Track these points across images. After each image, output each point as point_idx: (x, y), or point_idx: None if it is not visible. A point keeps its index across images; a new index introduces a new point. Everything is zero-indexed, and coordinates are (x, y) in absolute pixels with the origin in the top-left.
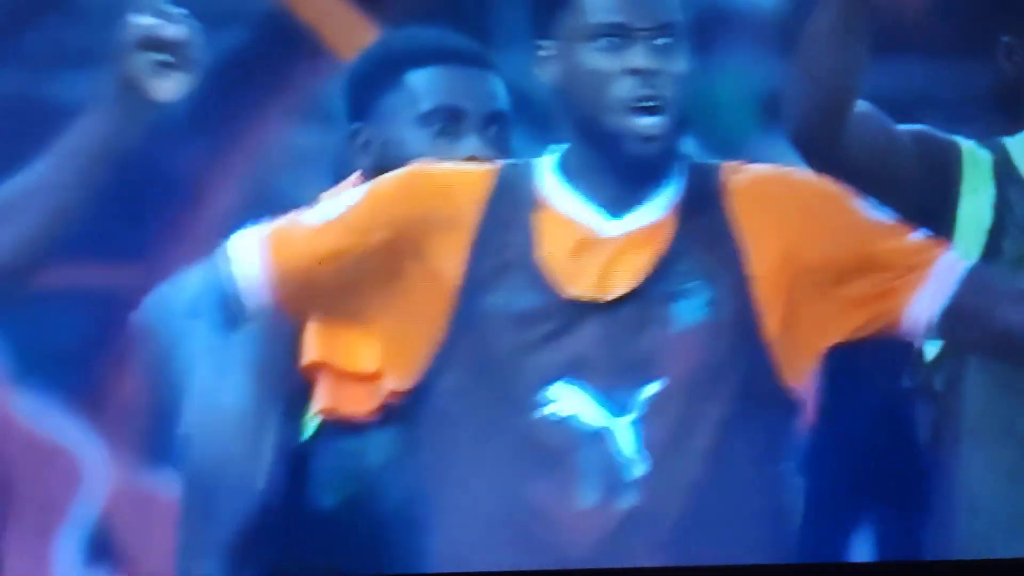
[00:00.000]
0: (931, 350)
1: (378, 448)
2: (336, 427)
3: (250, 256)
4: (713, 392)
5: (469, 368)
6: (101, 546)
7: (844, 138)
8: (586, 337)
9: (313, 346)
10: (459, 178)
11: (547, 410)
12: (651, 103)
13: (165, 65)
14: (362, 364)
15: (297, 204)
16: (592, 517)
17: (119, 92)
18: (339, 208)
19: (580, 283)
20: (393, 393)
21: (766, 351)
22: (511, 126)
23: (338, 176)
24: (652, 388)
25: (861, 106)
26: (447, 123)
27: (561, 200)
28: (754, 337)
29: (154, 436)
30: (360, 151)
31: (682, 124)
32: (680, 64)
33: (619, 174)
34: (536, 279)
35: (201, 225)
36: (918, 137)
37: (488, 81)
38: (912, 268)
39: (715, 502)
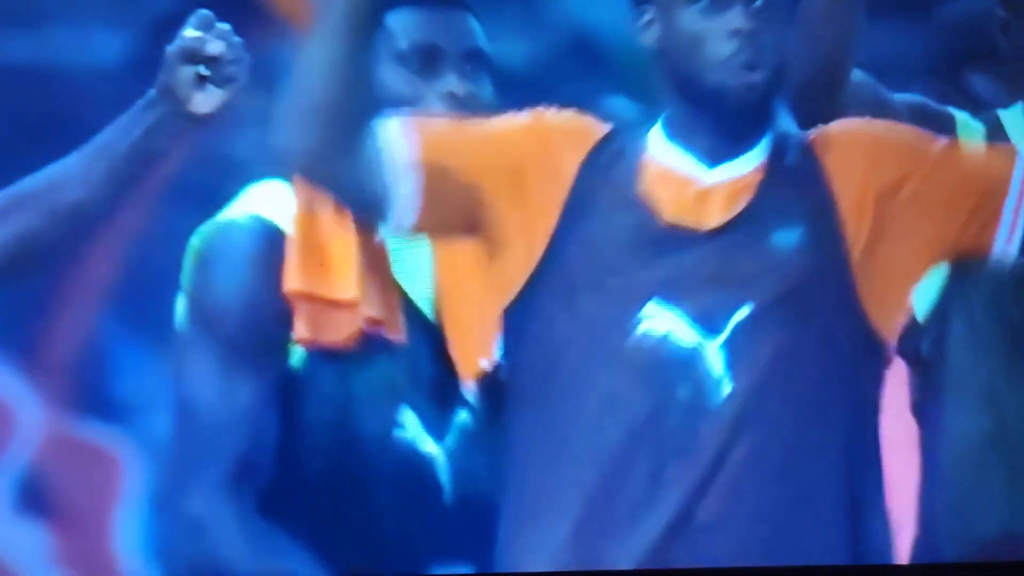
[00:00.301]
0: (921, 312)
1: (362, 376)
2: (320, 355)
3: (400, 140)
4: (800, 322)
5: (566, 286)
6: (32, 495)
7: (840, 107)
8: (681, 260)
9: (293, 275)
10: (575, 123)
11: (642, 328)
12: (752, 63)
13: (204, 79)
14: (341, 292)
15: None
16: (682, 433)
17: (158, 99)
18: (485, 125)
19: (677, 212)
20: (371, 320)
21: (855, 291)
22: (488, 64)
23: None
24: (742, 312)
25: (857, 75)
26: (424, 61)
27: (663, 153)
28: (844, 275)
29: (87, 388)
30: None
31: (779, 83)
32: (778, 24)
33: (718, 128)
34: (635, 206)
35: None
36: (912, 107)
37: (464, 19)
38: (992, 187)
39: (788, 435)
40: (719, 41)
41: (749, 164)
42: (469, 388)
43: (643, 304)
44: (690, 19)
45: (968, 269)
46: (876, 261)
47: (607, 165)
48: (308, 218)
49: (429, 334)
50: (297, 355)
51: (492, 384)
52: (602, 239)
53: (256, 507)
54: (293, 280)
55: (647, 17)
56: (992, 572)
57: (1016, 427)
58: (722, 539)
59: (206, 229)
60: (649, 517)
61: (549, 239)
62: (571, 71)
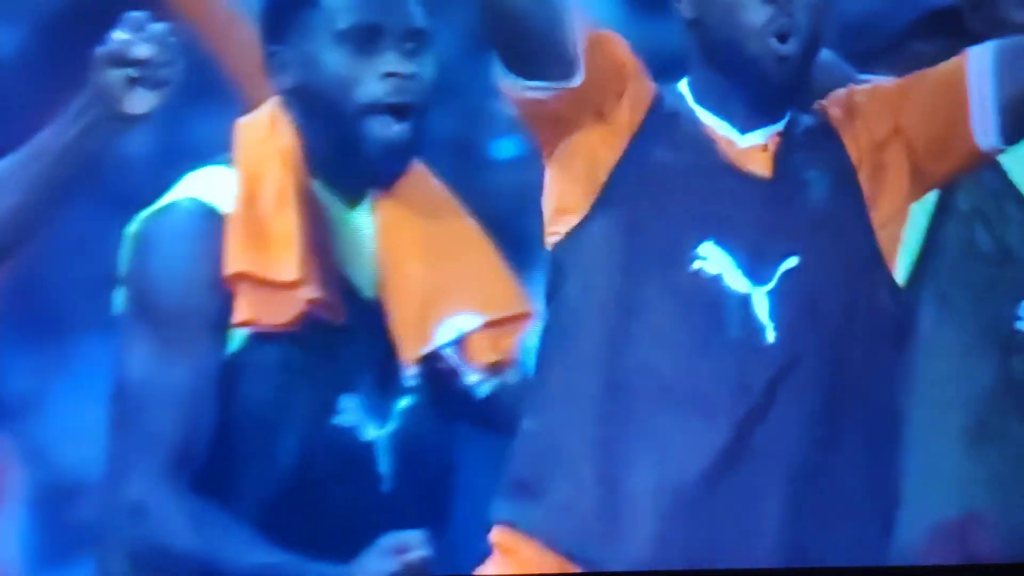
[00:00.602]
0: (902, 276)
1: (303, 360)
2: (261, 338)
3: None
4: (843, 277)
5: (626, 214)
6: None
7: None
8: (738, 203)
9: (234, 257)
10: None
11: (696, 265)
12: (785, 31)
13: (135, 80)
14: (282, 273)
15: None
16: (732, 369)
17: (90, 101)
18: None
19: (730, 154)
20: (312, 302)
21: (877, 246)
22: (430, 43)
23: None
24: (790, 263)
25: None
26: (364, 40)
27: (700, 116)
28: (869, 231)
29: None
30: (278, 73)
31: (813, 53)
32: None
33: (750, 98)
34: (698, 144)
35: None
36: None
37: None
38: (954, 90)
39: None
40: (754, 9)
41: (775, 129)
42: (410, 372)
43: (700, 242)
44: None
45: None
46: (879, 214)
47: (670, 109)
48: (249, 200)
49: (372, 316)
50: (238, 338)
51: (434, 369)
52: (665, 172)
53: (195, 491)
54: (234, 262)
55: None
56: (993, 572)
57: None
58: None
59: (144, 214)
60: (699, 445)
61: (614, 166)
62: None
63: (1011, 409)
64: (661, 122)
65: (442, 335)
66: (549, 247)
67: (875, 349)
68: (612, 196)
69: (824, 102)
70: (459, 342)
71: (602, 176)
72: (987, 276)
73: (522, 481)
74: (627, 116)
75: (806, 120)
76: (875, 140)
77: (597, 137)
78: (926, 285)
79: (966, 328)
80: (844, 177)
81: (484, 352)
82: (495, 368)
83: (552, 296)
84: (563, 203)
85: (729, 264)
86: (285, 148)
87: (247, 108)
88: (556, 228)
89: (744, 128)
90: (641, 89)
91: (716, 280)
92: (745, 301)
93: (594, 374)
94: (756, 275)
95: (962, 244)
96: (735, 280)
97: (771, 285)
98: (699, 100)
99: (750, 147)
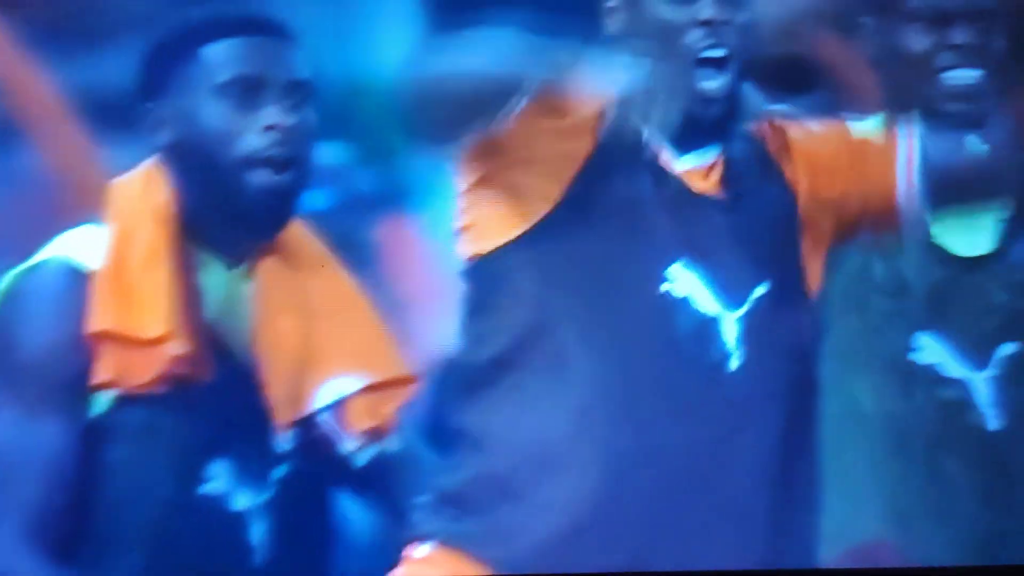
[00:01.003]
0: None
1: (169, 423)
2: (127, 401)
3: None
4: (794, 303)
5: (591, 234)
6: None
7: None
8: (705, 225)
9: (98, 315)
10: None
11: (664, 287)
12: (718, 53)
13: None
14: (148, 329)
15: None
16: (689, 395)
17: None
18: None
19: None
20: (177, 358)
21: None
22: (312, 95)
23: None
24: (761, 289)
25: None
26: (245, 93)
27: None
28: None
29: None
30: (155, 129)
31: (743, 76)
32: (745, 14)
33: (684, 118)
34: (654, 166)
35: None
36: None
37: (286, 50)
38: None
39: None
40: (686, 31)
41: (714, 152)
42: (285, 438)
43: (670, 263)
44: (657, 8)
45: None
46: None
47: (618, 126)
48: (119, 258)
49: (246, 378)
50: (103, 400)
51: (310, 435)
52: (627, 194)
53: (56, 559)
54: (98, 320)
55: (614, 3)
56: (993, 572)
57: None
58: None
59: (11, 273)
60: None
61: (568, 185)
62: None
63: (914, 439)
64: (611, 145)
65: (319, 398)
66: (468, 260)
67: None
68: (569, 217)
69: (758, 129)
70: (337, 406)
71: (555, 195)
72: (884, 307)
73: (453, 497)
74: (576, 142)
75: (744, 145)
76: (807, 187)
77: (543, 168)
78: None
79: (864, 359)
80: (786, 206)
81: (363, 417)
82: (374, 434)
83: (479, 310)
84: (503, 221)
85: (699, 286)
86: (159, 205)
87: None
88: (487, 243)
89: (680, 150)
90: (587, 116)
91: (685, 302)
92: (714, 325)
93: (544, 394)
94: (728, 298)
95: (860, 274)
96: (705, 303)
97: (743, 310)
98: (641, 120)
99: (693, 169)
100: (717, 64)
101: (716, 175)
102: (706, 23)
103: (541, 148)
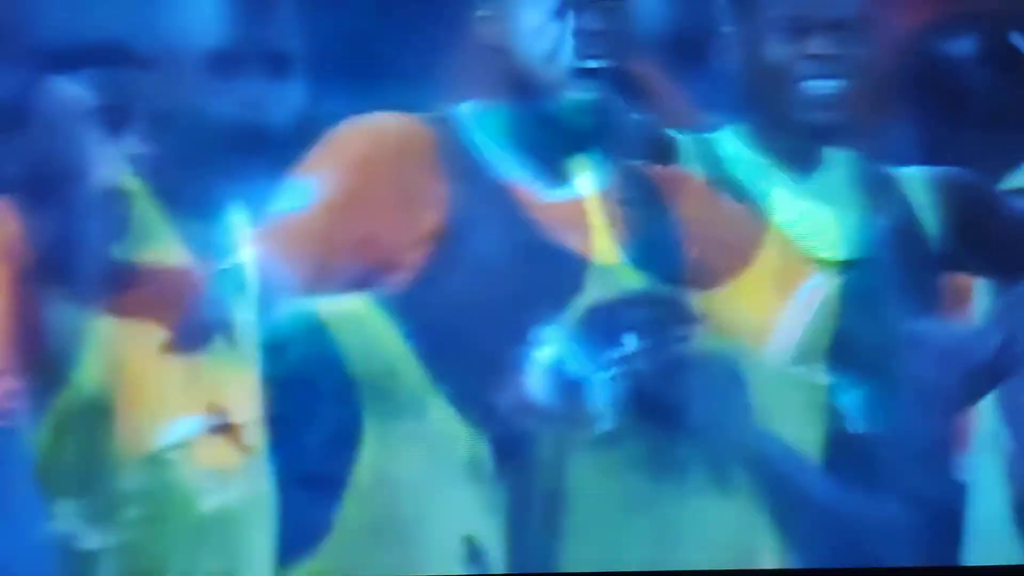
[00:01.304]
0: None
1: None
2: None
3: None
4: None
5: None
6: None
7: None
8: (573, 284)
9: None
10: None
11: (535, 351)
12: (593, 63)
13: None
14: None
15: None
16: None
17: None
18: None
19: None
20: (7, 394)
21: None
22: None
23: None
24: (631, 346)
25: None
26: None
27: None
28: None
29: None
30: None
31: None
32: (623, 23)
33: (552, 140)
34: (513, 219)
35: None
36: None
37: (154, 78)
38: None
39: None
40: (560, 41)
41: (587, 187)
42: (134, 478)
43: (535, 326)
44: (527, 16)
45: None
46: None
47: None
48: None
49: (92, 414)
50: None
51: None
52: (489, 254)
53: None
54: None
55: (484, 13)
56: (993, 573)
57: None
58: None
59: None
60: None
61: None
62: None
63: None
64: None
65: (167, 437)
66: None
67: None
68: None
69: (648, 167)
70: (184, 445)
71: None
72: None
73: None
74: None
75: (631, 177)
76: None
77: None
78: None
79: None
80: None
81: (210, 457)
82: (222, 475)
83: None
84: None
85: (570, 347)
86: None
87: None
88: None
89: (550, 184)
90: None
91: (554, 365)
92: (582, 387)
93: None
94: (597, 359)
95: None
96: (575, 365)
97: (613, 372)
98: (504, 143)
99: (566, 201)
100: (593, 73)
101: (594, 206)
102: (580, 32)
103: None
